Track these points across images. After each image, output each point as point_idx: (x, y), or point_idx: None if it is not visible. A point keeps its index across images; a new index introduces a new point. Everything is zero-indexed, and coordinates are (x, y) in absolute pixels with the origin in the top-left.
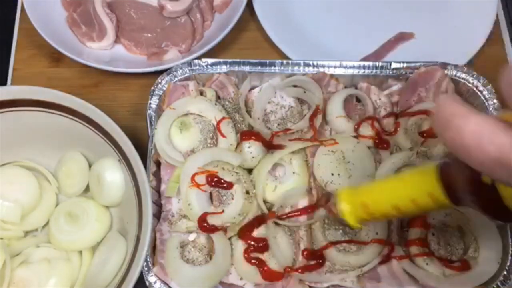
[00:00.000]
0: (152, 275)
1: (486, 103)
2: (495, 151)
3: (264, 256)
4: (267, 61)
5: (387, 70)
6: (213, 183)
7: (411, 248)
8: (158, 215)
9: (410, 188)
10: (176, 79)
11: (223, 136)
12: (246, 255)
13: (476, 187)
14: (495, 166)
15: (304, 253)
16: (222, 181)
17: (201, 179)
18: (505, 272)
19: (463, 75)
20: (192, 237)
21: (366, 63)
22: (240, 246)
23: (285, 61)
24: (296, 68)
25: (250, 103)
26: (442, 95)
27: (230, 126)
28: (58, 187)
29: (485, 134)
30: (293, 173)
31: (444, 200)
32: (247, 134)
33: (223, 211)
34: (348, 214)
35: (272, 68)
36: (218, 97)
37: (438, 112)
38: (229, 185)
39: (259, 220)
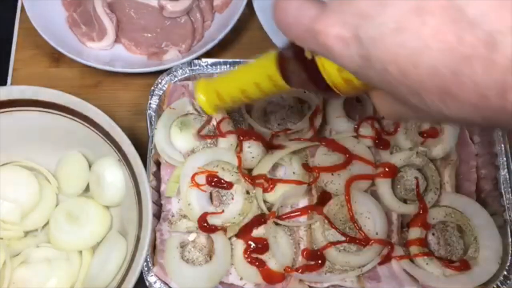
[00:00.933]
0: (152, 275)
1: None
2: (308, 23)
3: (264, 257)
4: None
5: None
6: (213, 183)
7: (411, 248)
8: (158, 215)
9: (253, 72)
10: (176, 79)
11: (223, 136)
12: (246, 255)
13: (301, 63)
14: (307, 36)
15: (304, 253)
16: (222, 181)
17: (201, 179)
18: (505, 272)
19: None
20: (192, 237)
21: None
22: (240, 246)
23: None
24: None
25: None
26: None
27: (230, 126)
28: (58, 187)
29: (302, 10)
30: (293, 173)
31: (281, 82)
32: (247, 134)
33: (223, 211)
34: (204, 102)
35: None
36: None
37: (274, 3)
38: (229, 185)
39: (259, 220)
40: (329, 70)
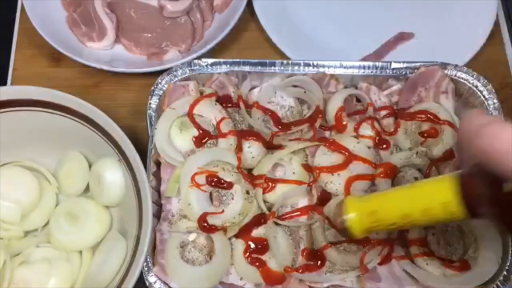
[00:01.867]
0: (152, 275)
1: (486, 103)
2: None
3: (264, 257)
4: (267, 61)
5: (387, 70)
6: (213, 183)
7: (411, 248)
8: (158, 215)
9: (424, 197)
10: (176, 79)
11: (223, 136)
12: (246, 255)
13: (497, 196)
14: None
15: (304, 253)
16: (222, 181)
17: (201, 179)
18: (505, 272)
19: (463, 75)
20: (192, 237)
21: (366, 63)
22: (240, 246)
23: (285, 61)
24: (296, 68)
25: (250, 103)
26: (467, 111)
27: (230, 126)
28: (58, 187)
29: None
30: (293, 173)
31: (459, 211)
32: (247, 134)
33: (223, 211)
34: (354, 222)
35: (272, 68)
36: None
37: (465, 124)
38: (229, 185)
39: (259, 220)
40: None
